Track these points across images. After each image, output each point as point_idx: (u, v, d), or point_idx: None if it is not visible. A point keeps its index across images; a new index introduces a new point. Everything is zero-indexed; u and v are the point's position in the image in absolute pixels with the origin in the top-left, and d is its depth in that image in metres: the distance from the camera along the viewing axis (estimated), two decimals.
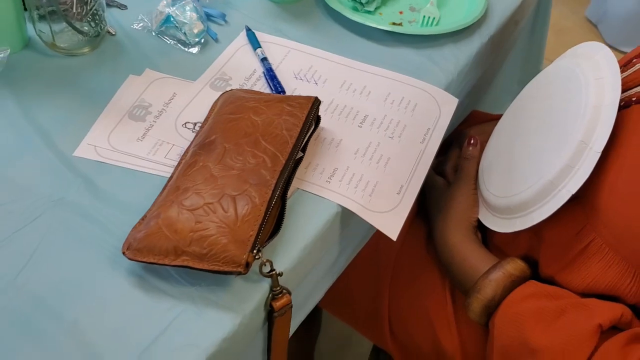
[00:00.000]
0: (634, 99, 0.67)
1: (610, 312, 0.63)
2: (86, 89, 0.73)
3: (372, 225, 0.77)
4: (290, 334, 0.68)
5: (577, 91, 0.68)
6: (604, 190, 0.64)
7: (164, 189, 0.60)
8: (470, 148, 0.83)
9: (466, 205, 0.78)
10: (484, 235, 0.79)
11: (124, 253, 0.56)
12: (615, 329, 0.65)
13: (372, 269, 0.84)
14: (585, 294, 0.67)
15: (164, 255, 0.55)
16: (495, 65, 0.98)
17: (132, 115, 0.71)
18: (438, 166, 0.88)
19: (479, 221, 0.78)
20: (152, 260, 0.55)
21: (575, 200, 0.67)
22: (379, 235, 0.81)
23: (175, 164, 0.65)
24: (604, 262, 0.65)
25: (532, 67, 0.98)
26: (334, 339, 1.39)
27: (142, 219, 0.58)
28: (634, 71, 0.70)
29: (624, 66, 0.72)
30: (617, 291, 0.65)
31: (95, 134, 0.68)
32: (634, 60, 0.72)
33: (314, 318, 1.09)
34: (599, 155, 0.63)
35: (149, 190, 0.63)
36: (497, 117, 0.86)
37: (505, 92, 0.96)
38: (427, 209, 0.84)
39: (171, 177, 0.61)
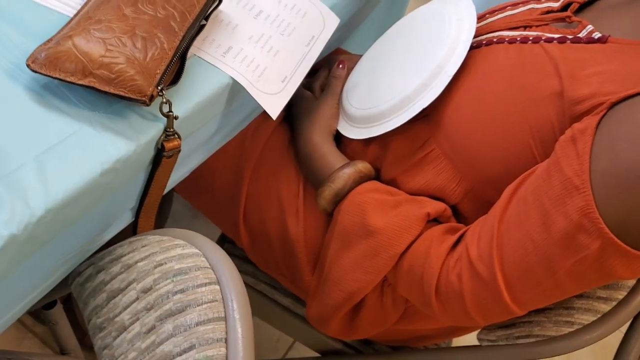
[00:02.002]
0: (484, 42, 0.81)
1: (436, 205, 0.78)
2: None
3: (248, 114, 0.85)
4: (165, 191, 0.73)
5: (441, 27, 0.81)
6: (449, 109, 0.78)
7: (73, 17, 0.62)
8: (339, 70, 0.93)
9: (330, 114, 0.89)
10: (338, 147, 0.90)
11: (28, 65, 0.57)
12: (437, 222, 0.79)
13: (236, 161, 0.91)
14: (417, 195, 0.81)
15: (71, 74, 0.57)
16: (367, 9, 1.09)
17: None
18: (307, 84, 0.97)
19: (336, 133, 0.90)
20: (57, 76, 0.57)
21: (423, 118, 0.81)
22: (245, 132, 0.89)
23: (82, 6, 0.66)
24: (437, 168, 0.79)
25: (393, 20, 1.12)
26: None
27: (50, 40, 0.60)
28: (486, 24, 0.85)
29: (478, 19, 0.88)
30: (443, 193, 0.79)
31: None
32: (487, 16, 0.87)
33: (162, 208, 1.13)
34: (450, 78, 0.77)
35: (53, 23, 0.63)
36: (358, 56, 0.97)
37: (365, 40, 1.08)
38: (293, 115, 0.93)
39: (81, 9, 0.63)
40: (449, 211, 0.79)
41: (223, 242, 1.01)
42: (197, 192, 0.95)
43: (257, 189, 0.90)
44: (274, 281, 0.98)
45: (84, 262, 0.67)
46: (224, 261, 0.56)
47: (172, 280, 0.55)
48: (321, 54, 0.98)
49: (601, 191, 0.62)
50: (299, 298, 0.97)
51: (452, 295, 0.74)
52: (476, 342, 0.92)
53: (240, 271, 0.98)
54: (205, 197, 0.95)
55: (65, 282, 0.68)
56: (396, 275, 0.79)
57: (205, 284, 0.54)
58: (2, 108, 0.56)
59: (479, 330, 0.91)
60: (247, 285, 0.98)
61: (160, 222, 1.13)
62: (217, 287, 0.54)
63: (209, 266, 0.56)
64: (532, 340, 0.82)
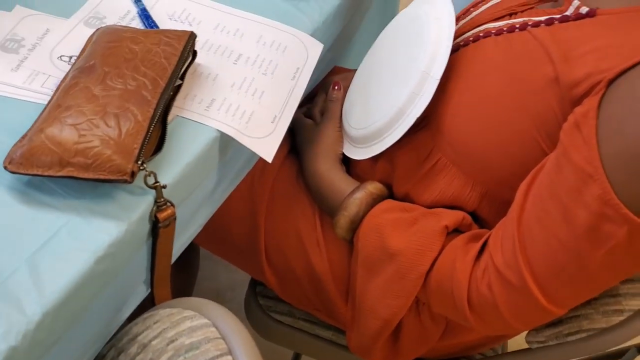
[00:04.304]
0: (471, 39, 0.78)
1: (453, 216, 0.74)
2: None
3: (247, 159, 0.83)
4: (174, 258, 0.72)
5: (420, 29, 0.78)
6: (448, 115, 0.74)
7: (44, 109, 0.62)
8: (335, 92, 0.91)
9: (332, 139, 0.87)
10: (347, 168, 0.87)
11: (5, 167, 0.57)
12: (458, 231, 0.76)
13: (248, 204, 0.89)
14: (433, 207, 0.78)
15: (48, 167, 0.57)
16: (356, 22, 1.07)
17: (5, 48, 0.70)
18: (307, 111, 0.95)
19: (343, 155, 0.87)
20: (36, 172, 0.57)
21: (424, 128, 0.78)
22: (253, 173, 0.87)
23: (53, 92, 0.66)
24: (448, 177, 0.75)
25: (387, 24, 1.09)
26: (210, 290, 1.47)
27: (23, 137, 0.59)
28: (471, 18, 0.81)
29: (463, 15, 0.84)
30: (459, 201, 0.76)
31: None
32: (471, 9, 0.83)
33: (190, 262, 1.12)
34: (437, 81, 0.73)
35: (27, 115, 0.63)
36: (354, 72, 0.95)
37: (363, 52, 1.05)
38: (297, 146, 0.91)
39: (51, 99, 0.63)
40: (469, 218, 0.76)
41: (255, 284, 1.00)
42: (216, 242, 0.94)
43: (274, 229, 0.88)
44: (311, 316, 0.96)
45: (107, 343, 0.67)
46: (235, 329, 0.55)
47: (185, 357, 0.54)
48: (315, 79, 0.96)
49: (616, 175, 0.58)
50: (340, 329, 0.95)
51: (486, 307, 0.71)
52: None
53: (276, 312, 0.98)
54: (225, 246, 0.94)
55: None
56: (426, 294, 0.76)
57: (217, 357, 0.52)
58: None
59: (526, 332, 0.87)
60: (285, 324, 0.97)
61: (190, 278, 1.12)
62: (229, 357, 0.52)
63: (219, 336, 0.54)
64: (583, 335, 0.77)
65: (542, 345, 0.83)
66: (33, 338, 0.50)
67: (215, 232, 0.91)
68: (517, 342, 0.99)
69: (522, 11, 0.74)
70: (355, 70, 0.95)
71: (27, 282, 0.52)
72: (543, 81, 0.67)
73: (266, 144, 0.72)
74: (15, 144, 0.58)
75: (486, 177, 0.73)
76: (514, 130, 0.69)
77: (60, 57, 0.71)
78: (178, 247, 0.73)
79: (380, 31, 0.95)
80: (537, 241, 0.66)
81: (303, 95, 0.80)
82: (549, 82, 0.66)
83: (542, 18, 0.70)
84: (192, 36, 0.70)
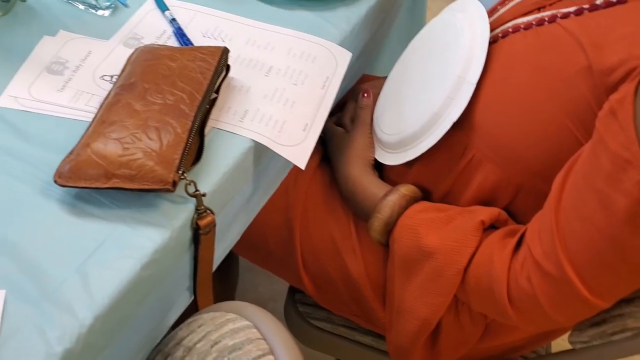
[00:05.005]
0: (500, 35, 0.79)
1: (489, 212, 0.75)
2: (1, 49, 0.76)
3: (281, 167, 0.85)
4: (214, 266, 0.74)
5: (454, 36, 0.80)
6: (479, 111, 0.76)
7: (89, 125, 0.65)
8: (365, 99, 0.93)
9: (363, 145, 0.88)
10: (380, 174, 0.89)
11: (55, 181, 0.60)
12: (494, 228, 0.76)
13: (283, 213, 0.91)
14: (471, 205, 0.78)
15: (95, 180, 0.60)
16: (383, 31, 1.09)
17: (51, 70, 0.74)
18: (337, 120, 0.97)
19: (375, 161, 0.89)
20: (83, 185, 0.60)
21: (457, 127, 0.79)
22: (287, 183, 0.89)
23: (96, 110, 0.69)
24: (483, 173, 0.76)
25: (416, 32, 1.10)
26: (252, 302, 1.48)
27: (71, 152, 0.63)
28: (499, 16, 0.83)
29: (490, 12, 0.85)
30: (496, 196, 0.77)
31: (16, 87, 0.72)
32: (498, 7, 0.85)
33: (229, 273, 1.15)
34: (474, 86, 0.75)
35: (74, 132, 0.66)
36: (383, 79, 0.96)
37: (392, 59, 1.07)
38: (329, 154, 0.94)
39: (96, 115, 0.66)
40: (504, 214, 0.77)
41: (294, 292, 1.02)
42: (254, 251, 0.97)
43: (310, 236, 0.90)
44: (350, 322, 0.97)
45: (154, 349, 0.69)
46: (276, 329, 0.57)
47: (228, 358, 0.56)
48: (344, 87, 0.99)
49: None
50: (379, 334, 0.96)
51: (527, 300, 0.71)
52: None
53: (315, 318, 1.00)
54: (263, 254, 0.96)
55: None
56: (465, 291, 0.77)
57: (260, 357, 0.54)
58: (40, 227, 0.59)
59: (569, 332, 0.86)
60: (325, 331, 0.98)
61: (230, 289, 1.15)
62: (271, 357, 0.54)
63: (260, 337, 0.56)
64: (628, 334, 0.76)
65: (585, 345, 0.82)
66: (85, 341, 0.53)
67: (252, 240, 0.93)
68: (560, 344, 0.99)
69: (550, 4, 0.75)
70: (384, 77, 0.97)
71: (78, 289, 0.55)
72: (574, 70, 0.67)
73: (299, 152, 0.74)
74: (64, 159, 0.62)
75: (521, 170, 0.74)
76: (546, 120, 0.70)
77: (102, 76, 0.75)
78: (218, 254, 0.75)
79: (408, 39, 0.97)
80: (575, 231, 0.66)
81: (333, 103, 0.82)
82: (581, 70, 0.67)
83: (572, 9, 0.71)
84: (225, 51, 0.73)
